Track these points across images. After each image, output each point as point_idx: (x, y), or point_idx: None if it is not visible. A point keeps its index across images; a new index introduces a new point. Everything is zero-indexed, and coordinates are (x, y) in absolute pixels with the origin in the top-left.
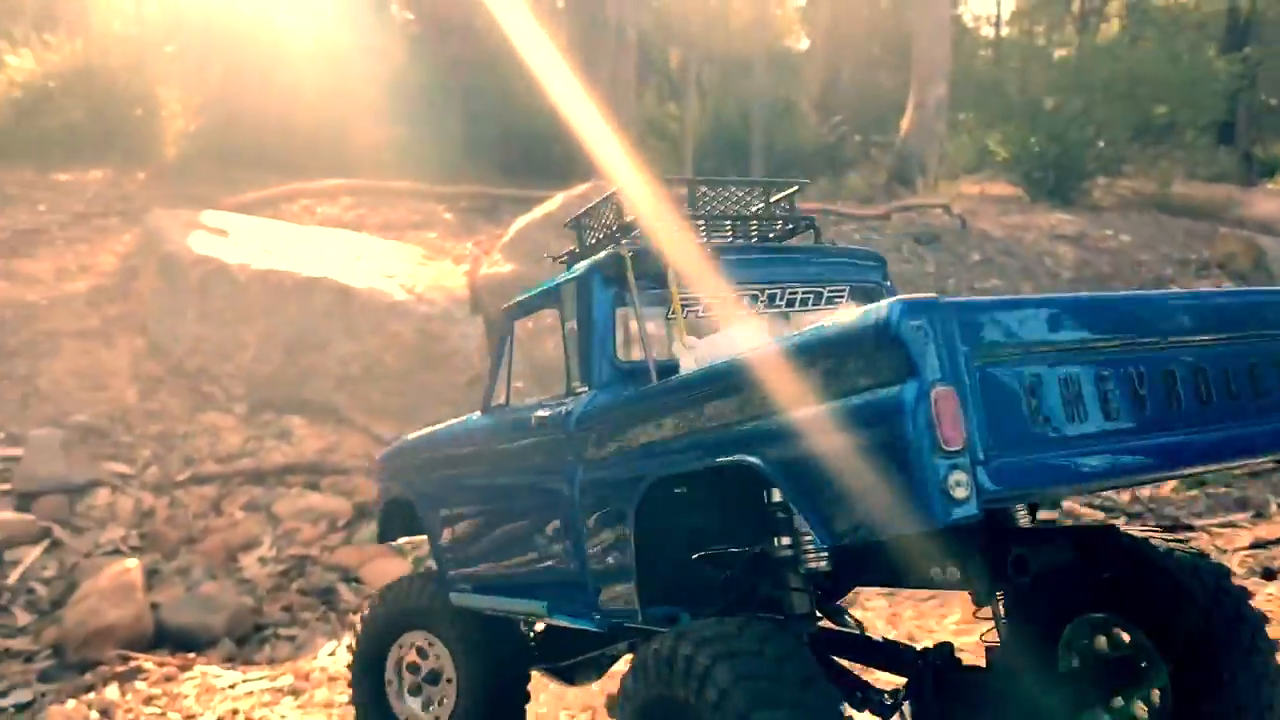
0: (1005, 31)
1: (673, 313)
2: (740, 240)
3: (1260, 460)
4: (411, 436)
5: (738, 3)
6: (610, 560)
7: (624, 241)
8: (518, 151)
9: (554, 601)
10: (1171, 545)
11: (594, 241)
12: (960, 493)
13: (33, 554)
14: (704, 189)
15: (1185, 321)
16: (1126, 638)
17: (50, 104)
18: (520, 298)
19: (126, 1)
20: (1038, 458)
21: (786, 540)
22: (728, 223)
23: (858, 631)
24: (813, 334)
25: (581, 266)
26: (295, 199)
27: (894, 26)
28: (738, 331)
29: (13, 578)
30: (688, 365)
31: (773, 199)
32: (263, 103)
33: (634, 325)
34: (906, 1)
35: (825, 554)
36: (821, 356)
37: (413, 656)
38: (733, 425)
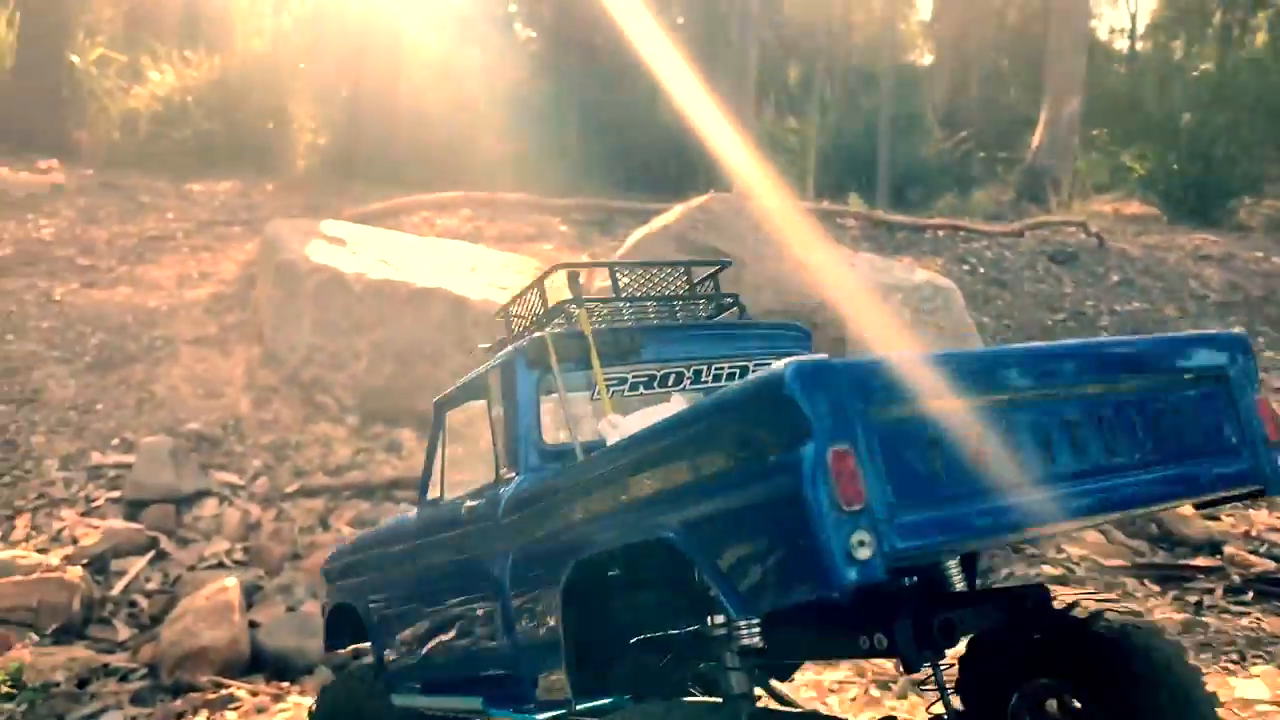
0: (1141, 45)
1: (598, 393)
2: (666, 320)
3: (1174, 504)
4: (351, 540)
5: (862, 17)
6: (542, 647)
7: (549, 326)
8: (635, 165)
9: (491, 696)
10: (1104, 606)
11: (521, 329)
12: (863, 553)
13: (138, 565)
14: (625, 272)
15: (1085, 370)
16: (1076, 704)
17: (187, 117)
18: (450, 390)
19: (263, 21)
20: (945, 513)
21: (720, 619)
22: (652, 303)
23: (800, 709)
24: (711, 400)
25: (505, 353)
26: (415, 211)
27: (1023, 40)
28: (661, 409)
29: (117, 589)
30: (626, 430)
31: (697, 280)
32: (388, 118)
33: (561, 408)
34: (1039, 15)
35: (757, 630)
36: (722, 421)
37: None
38: (645, 499)
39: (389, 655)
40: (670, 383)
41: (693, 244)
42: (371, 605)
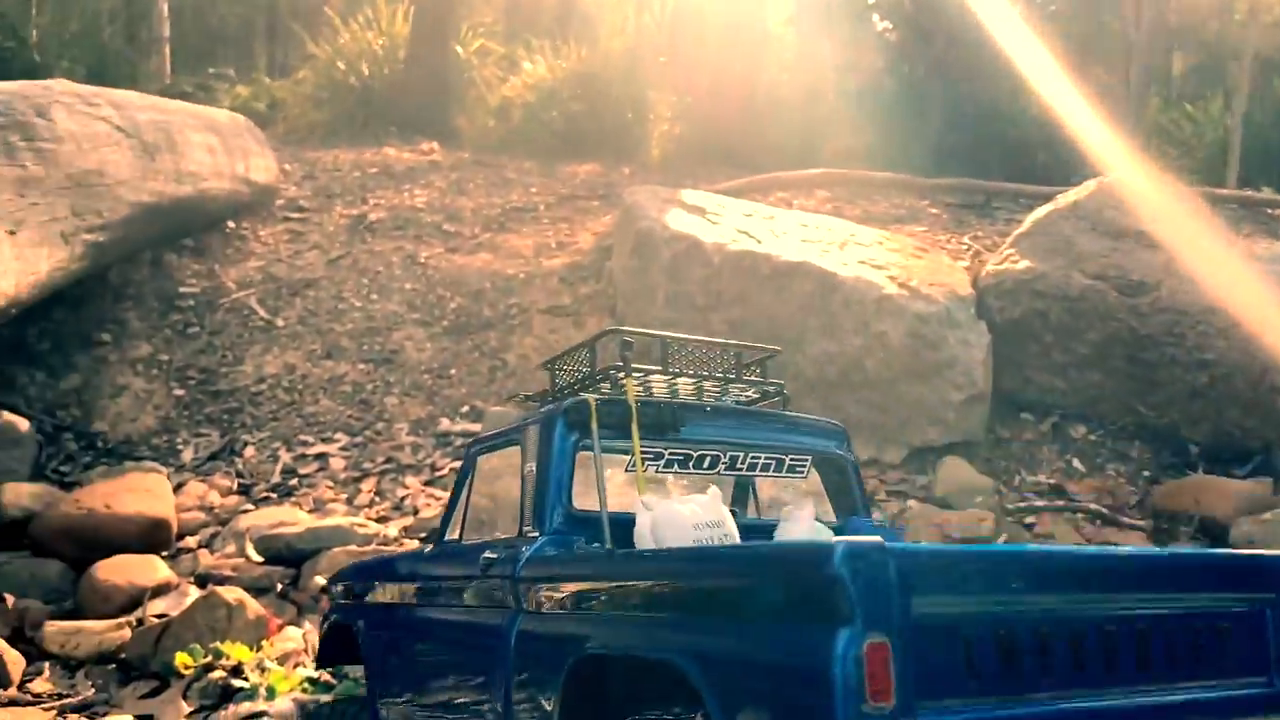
0: None
1: (633, 464)
2: (709, 399)
3: None
4: (361, 562)
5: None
6: None
7: (594, 388)
8: (998, 157)
9: None
10: None
11: (565, 385)
12: None
13: None
14: (675, 346)
15: (1133, 581)
16: None
17: (555, 106)
18: (485, 434)
19: (627, 18)
20: (974, 715)
21: None
22: (699, 381)
23: None
24: (757, 549)
25: (547, 409)
26: (769, 190)
27: None
28: (696, 501)
29: None
30: (643, 525)
31: (746, 363)
32: (745, 110)
33: (594, 474)
34: None
35: None
36: (763, 574)
37: None
38: (664, 619)
39: (379, 687)
40: (705, 465)
41: (1109, 225)
42: (370, 633)
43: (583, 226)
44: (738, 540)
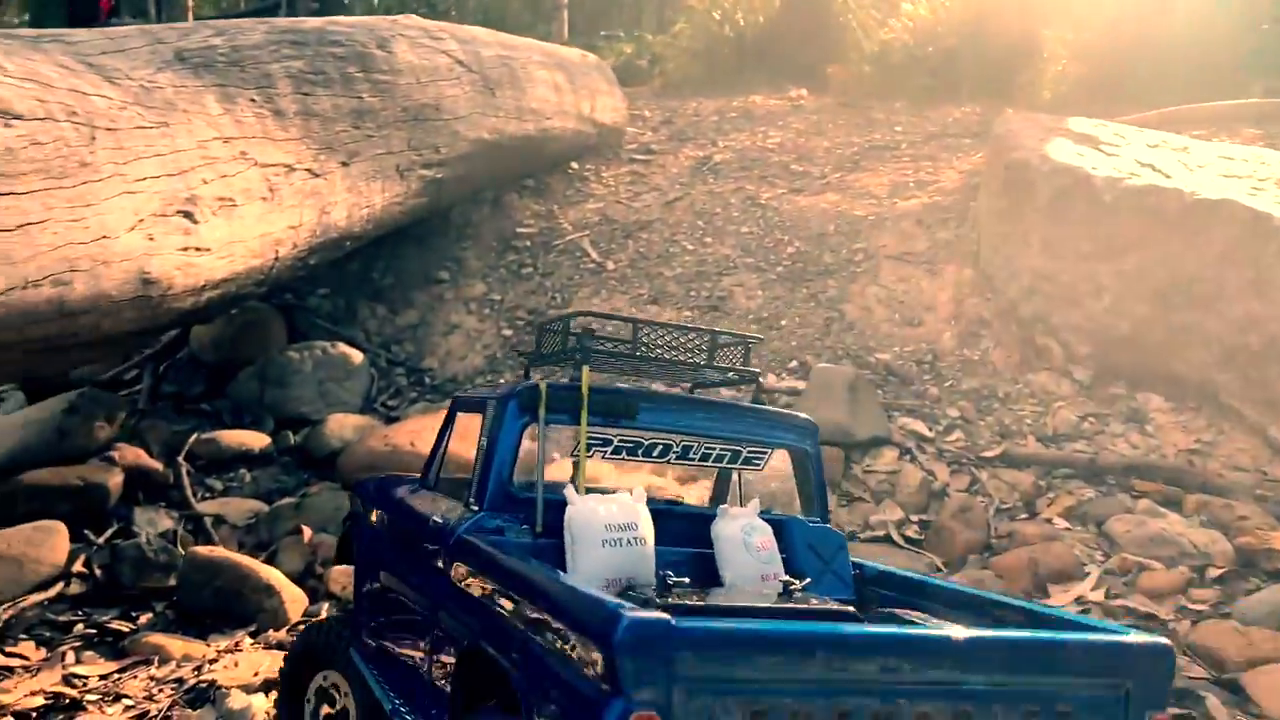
0: None
1: (576, 452)
2: (676, 387)
3: None
4: (369, 476)
5: None
6: (435, 695)
7: (568, 363)
8: None
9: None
10: None
11: (545, 351)
12: None
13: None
14: (647, 330)
15: (949, 664)
16: None
17: (936, 48)
18: (466, 393)
19: None
20: None
21: None
22: (669, 366)
23: None
24: (561, 591)
25: (504, 389)
26: (1182, 125)
27: None
28: (617, 501)
29: None
30: (571, 513)
31: (720, 347)
32: (1152, 45)
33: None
34: None
35: None
36: (562, 614)
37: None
38: (499, 618)
39: (359, 605)
40: (656, 453)
41: None
42: (364, 546)
43: (948, 164)
44: (648, 544)
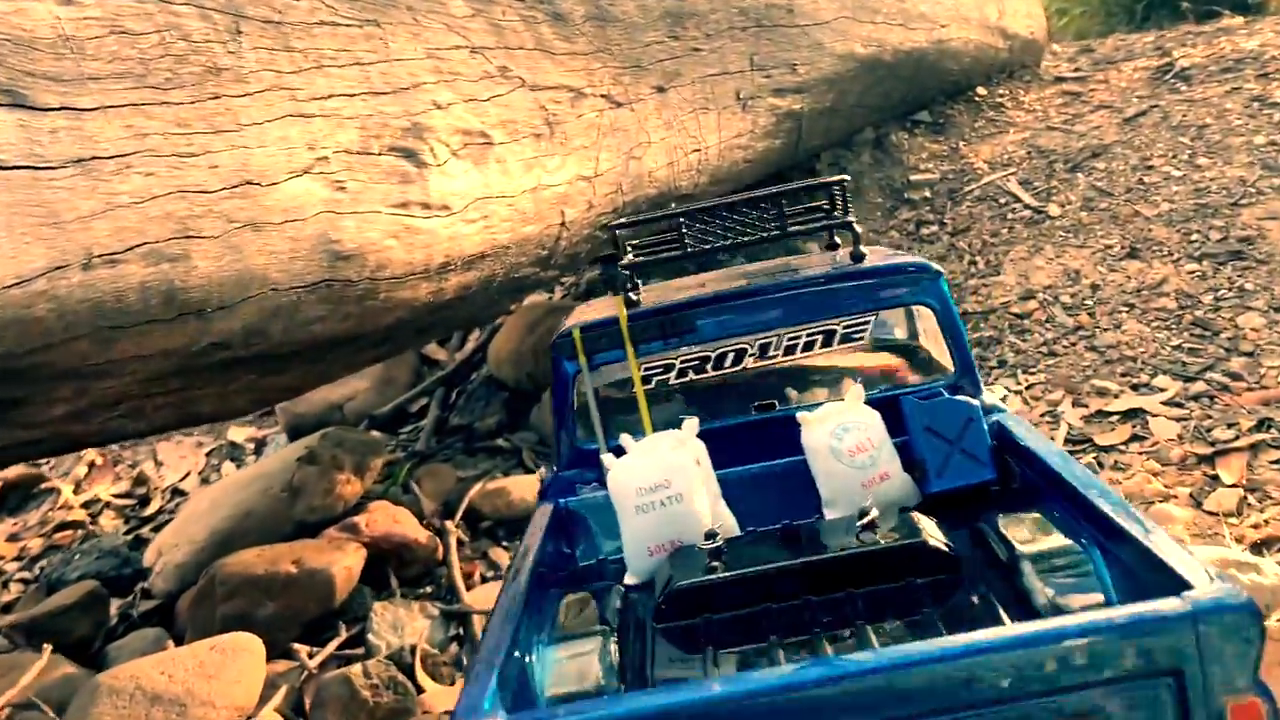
0: None
1: (633, 389)
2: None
3: None
4: None
5: None
6: None
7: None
8: None
9: None
10: None
11: (610, 254)
12: None
13: None
14: (697, 224)
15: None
16: None
17: None
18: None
19: None
20: None
21: None
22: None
23: None
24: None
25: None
26: None
27: None
28: (655, 453)
29: None
30: (610, 480)
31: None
32: None
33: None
34: None
35: None
36: None
37: None
38: None
39: None
40: (729, 364)
41: None
42: None
43: None
44: (689, 503)
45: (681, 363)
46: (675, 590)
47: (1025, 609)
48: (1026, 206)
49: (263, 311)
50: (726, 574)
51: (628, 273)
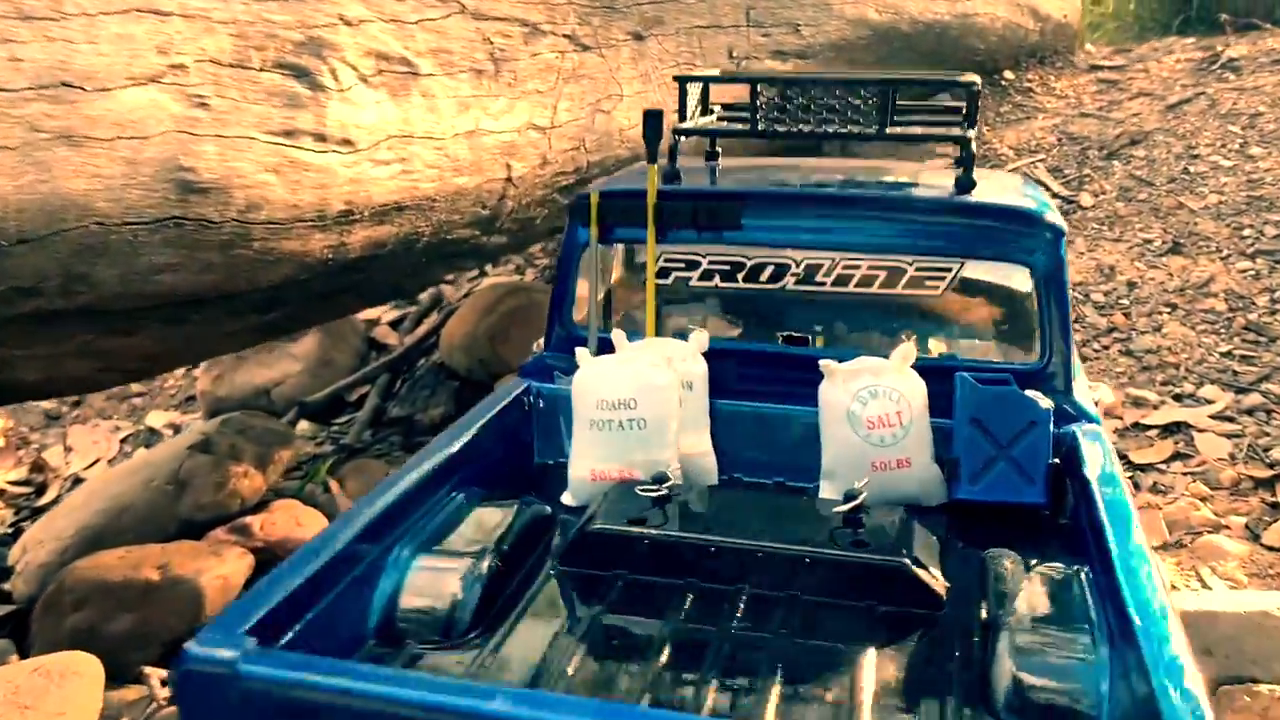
0: None
1: (644, 277)
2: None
3: None
4: None
5: None
6: None
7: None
8: None
9: None
10: None
11: (679, 109)
12: None
13: None
14: (807, 94)
15: None
16: None
17: None
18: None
19: None
20: None
21: None
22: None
23: None
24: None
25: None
26: None
27: None
28: (635, 363)
29: None
30: (574, 379)
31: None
32: None
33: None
34: None
35: None
36: None
37: None
38: None
39: None
40: (763, 279)
41: None
42: None
43: None
44: (652, 432)
45: (710, 262)
46: (588, 533)
47: (978, 690)
48: (1056, 195)
49: (86, 251)
50: (652, 531)
51: (680, 137)
